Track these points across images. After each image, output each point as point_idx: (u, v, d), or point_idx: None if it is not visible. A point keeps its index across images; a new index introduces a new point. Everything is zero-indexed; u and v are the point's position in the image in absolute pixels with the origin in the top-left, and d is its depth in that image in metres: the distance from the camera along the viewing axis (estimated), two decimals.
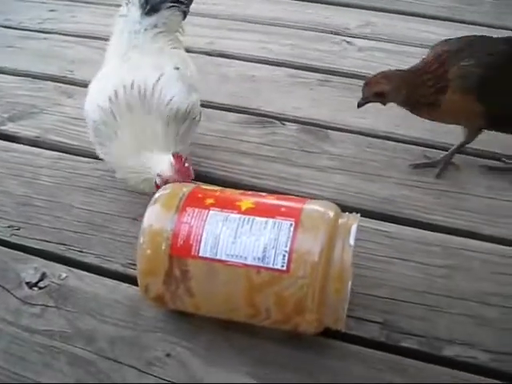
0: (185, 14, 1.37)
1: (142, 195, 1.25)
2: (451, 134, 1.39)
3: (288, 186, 1.31)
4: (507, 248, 1.17)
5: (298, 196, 1.26)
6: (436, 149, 1.43)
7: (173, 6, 1.32)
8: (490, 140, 1.37)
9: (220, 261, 0.90)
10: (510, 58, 1.25)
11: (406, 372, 0.95)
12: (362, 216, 1.21)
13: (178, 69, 1.27)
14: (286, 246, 0.89)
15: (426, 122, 1.34)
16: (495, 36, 1.32)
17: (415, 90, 1.25)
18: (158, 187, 1.08)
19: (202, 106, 1.34)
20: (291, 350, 0.97)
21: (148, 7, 1.29)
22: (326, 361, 0.97)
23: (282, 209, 0.94)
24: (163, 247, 0.92)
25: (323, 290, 0.89)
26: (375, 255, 1.15)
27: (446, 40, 1.31)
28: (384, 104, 1.30)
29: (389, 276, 1.11)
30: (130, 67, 1.24)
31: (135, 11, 1.30)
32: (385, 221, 1.24)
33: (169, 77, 1.23)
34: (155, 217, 0.96)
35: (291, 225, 0.90)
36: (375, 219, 1.24)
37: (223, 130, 1.49)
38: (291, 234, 0.90)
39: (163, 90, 1.19)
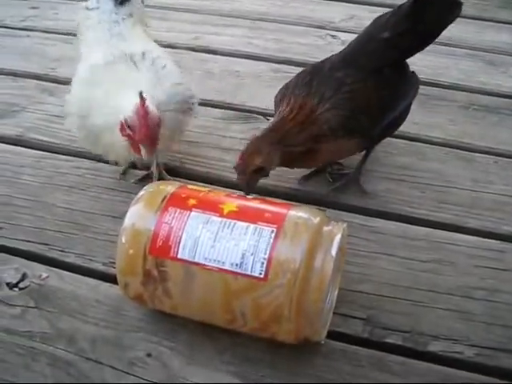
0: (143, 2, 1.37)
1: (123, 192, 1.25)
2: None
3: (271, 181, 1.28)
4: (492, 241, 1.17)
5: (282, 192, 1.26)
6: None
7: None
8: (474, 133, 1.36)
9: (198, 264, 0.89)
10: (358, 84, 1.19)
11: (391, 369, 0.94)
12: (346, 211, 1.23)
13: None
14: (265, 254, 0.87)
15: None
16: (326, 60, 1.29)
17: (286, 143, 1.15)
18: (123, 132, 1.08)
19: None
20: (274, 348, 0.95)
21: None
22: (311, 359, 0.95)
23: (266, 214, 0.91)
24: (144, 247, 0.91)
25: (301, 300, 0.86)
26: (360, 250, 1.14)
27: (286, 88, 1.24)
28: (267, 175, 1.17)
29: (373, 271, 1.10)
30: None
31: (106, 2, 1.29)
32: (369, 216, 1.23)
33: (164, 58, 1.22)
34: (137, 216, 0.94)
35: (272, 231, 0.88)
36: (360, 214, 1.23)
37: (207, 126, 1.47)
38: (271, 241, 0.87)
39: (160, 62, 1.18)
